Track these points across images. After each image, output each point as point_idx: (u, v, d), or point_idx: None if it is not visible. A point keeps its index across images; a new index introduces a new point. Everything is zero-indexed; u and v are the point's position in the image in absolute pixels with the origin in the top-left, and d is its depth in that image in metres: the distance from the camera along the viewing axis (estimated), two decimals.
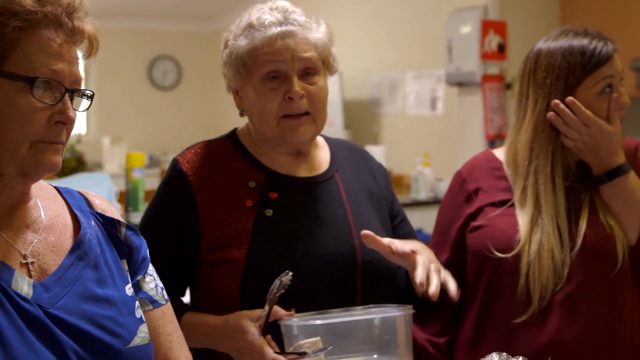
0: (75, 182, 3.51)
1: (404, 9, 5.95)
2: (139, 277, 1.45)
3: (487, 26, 4.52)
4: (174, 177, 1.79)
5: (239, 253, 1.71)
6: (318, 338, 1.53)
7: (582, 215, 1.91)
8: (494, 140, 4.44)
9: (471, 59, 4.54)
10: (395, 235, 1.87)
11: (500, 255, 1.91)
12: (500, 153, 2.10)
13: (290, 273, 1.55)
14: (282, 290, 1.55)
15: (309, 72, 1.74)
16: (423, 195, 4.81)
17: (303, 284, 1.58)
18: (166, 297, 1.50)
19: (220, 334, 1.64)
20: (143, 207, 3.67)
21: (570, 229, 1.90)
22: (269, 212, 1.75)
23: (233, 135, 1.87)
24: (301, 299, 1.62)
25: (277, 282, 1.55)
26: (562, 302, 1.88)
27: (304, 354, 1.51)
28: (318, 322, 1.54)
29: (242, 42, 1.73)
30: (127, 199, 3.68)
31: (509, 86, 4.57)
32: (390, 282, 1.83)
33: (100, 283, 1.34)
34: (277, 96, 1.71)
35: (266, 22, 1.72)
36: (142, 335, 1.35)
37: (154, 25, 9.80)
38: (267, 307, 1.57)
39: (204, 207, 1.75)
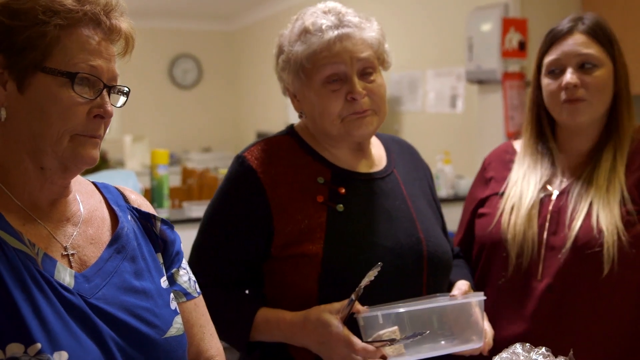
0: (101, 179, 3.55)
1: (424, 8, 5.95)
2: (173, 270, 1.49)
3: (508, 24, 4.51)
4: (244, 174, 1.79)
5: (315, 248, 1.73)
6: (396, 327, 1.58)
7: (578, 216, 1.93)
8: (515, 138, 4.44)
9: (492, 56, 4.53)
10: None
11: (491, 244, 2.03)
12: (519, 144, 2.15)
13: (380, 265, 1.60)
14: (369, 282, 1.59)
15: (367, 71, 1.78)
16: (444, 192, 4.81)
17: (376, 276, 1.60)
18: (198, 290, 1.53)
19: (300, 329, 1.67)
20: (167, 203, 3.72)
21: (564, 228, 1.94)
22: (340, 208, 1.78)
23: (292, 131, 1.90)
24: (371, 291, 1.63)
25: (368, 274, 1.58)
26: (543, 293, 1.93)
27: (393, 340, 1.55)
28: (402, 309, 1.58)
29: (300, 48, 1.76)
30: (152, 195, 3.72)
31: (529, 84, 4.57)
32: (449, 274, 1.90)
33: (137, 275, 1.38)
34: (339, 98, 1.75)
35: (323, 27, 1.75)
36: (177, 326, 1.40)
37: (175, 25, 9.86)
38: (352, 298, 1.60)
39: (276, 203, 1.76)
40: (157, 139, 9.38)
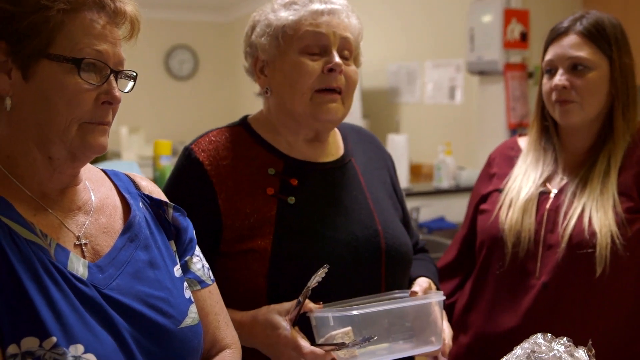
0: None
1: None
2: (186, 258, 1.46)
3: (510, 15, 4.49)
4: (190, 167, 1.73)
5: (264, 243, 1.67)
6: (349, 328, 1.52)
7: (571, 217, 1.92)
8: (516, 129, 4.43)
9: (493, 47, 4.52)
10: None
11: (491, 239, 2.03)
12: (523, 141, 2.14)
13: (327, 266, 1.53)
14: (316, 284, 1.53)
15: (345, 54, 1.73)
16: (445, 183, 4.80)
17: (330, 269, 1.54)
18: (212, 277, 1.51)
19: (249, 330, 1.61)
20: None
21: (559, 227, 1.93)
22: (292, 200, 1.72)
23: (245, 122, 1.84)
24: (328, 285, 1.57)
25: (314, 275, 1.53)
26: (539, 290, 1.93)
27: (342, 344, 1.49)
28: (355, 312, 1.51)
29: (285, 14, 1.72)
30: None
31: (531, 75, 4.56)
32: (409, 266, 1.84)
33: (151, 264, 1.35)
34: (315, 68, 1.69)
35: None
36: (192, 315, 1.37)
37: (171, 15, 9.81)
38: (300, 299, 1.54)
39: (224, 197, 1.70)
40: (153, 130, 9.34)
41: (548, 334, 1.32)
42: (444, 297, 1.65)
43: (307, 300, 1.55)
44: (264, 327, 1.58)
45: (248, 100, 9.74)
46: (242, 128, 1.82)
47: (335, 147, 1.85)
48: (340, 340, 1.50)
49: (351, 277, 1.69)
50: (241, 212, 1.69)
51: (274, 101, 1.78)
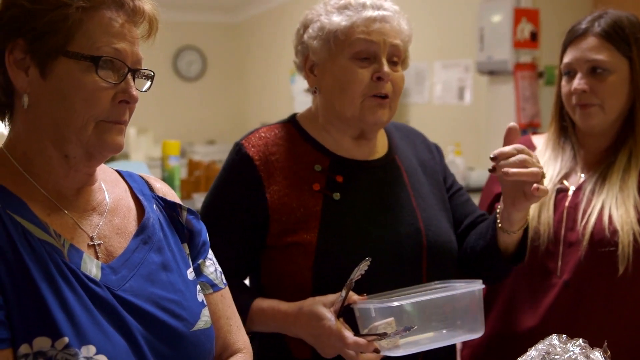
0: None
1: (430, 0, 5.93)
2: (199, 261, 1.45)
3: (520, 14, 4.49)
4: (240, 162, 1.78)
5: (310, 237, 1.72)
6: (392, 319, 1.55)
7: (591, 214, 1.91)
8: (526, 129, 4.42)
9: (503, 47, 4.52)
10: (453, 204, 1.93)
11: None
12: (538, 139, 2.13)
13: (369, 259, 1.57)
14: (359, 276, 1.57)
15: (394, 60, 1.77)
16: None
17: (372, 266, 1.58)
18: (225, 281, 1.50)
19: (294, 320, 1.65)
20: (179, 194, 3.70)
21: (578, 225, 1.92)
22: (337, 196, 1.76)
23: (293, 120, 1.88)
24: (370, 281, 1.63)
25: (357, 268, 1.56)
26: (560, 289, 1.92)
27: (384, 334, 1.53)
28: (395, 303, 1.55)
29: (337, 19, 1.75)
30: None
31: (541, 74, 4.55)
32: (453, 263, 1.86)
33: (164, 267, 1.35)
34: (365, 75, 1.73)
35: (366, 3, 1.76)
36: (204, 318, 1.36)
37: (179, 16, 9.81)
38: (344, 292, 1.58)
39: (272, 191, 1.75)
40: (161, 131, 9.35)
41: (563, 335, 1.31)
42: (484, 286, 1.66)
43: (351, 292, 1.60)
44: (309, 318, 1.62)
45: (256, 101, 9.75)
46: (291, 125, 1.86)
47: (381, 145, 1.89)
48: (382, 331, 1.54)
49: (393, 272, 1.73)
50: (288, 206, 1.74)
51: (322, 101, 1.82)
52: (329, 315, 1.59)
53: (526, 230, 1.78)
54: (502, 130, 1.73)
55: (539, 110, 4.46)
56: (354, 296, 1.60)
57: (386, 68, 1.73)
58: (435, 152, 2.01)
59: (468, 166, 4.99)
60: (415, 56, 6.18)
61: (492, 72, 4.69)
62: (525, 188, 1.64)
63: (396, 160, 1.88)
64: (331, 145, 1.82)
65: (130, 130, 8.68)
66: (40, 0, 1.22)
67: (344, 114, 1.77)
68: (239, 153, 1.79)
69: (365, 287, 1.62)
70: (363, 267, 1.56)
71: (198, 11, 9.92)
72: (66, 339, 1.14)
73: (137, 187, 1.44)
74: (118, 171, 1.47)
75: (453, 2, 5.62)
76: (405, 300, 1.57)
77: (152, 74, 1.34)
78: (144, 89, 1.34)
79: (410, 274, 1.76)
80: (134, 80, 1.28)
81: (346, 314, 1.61)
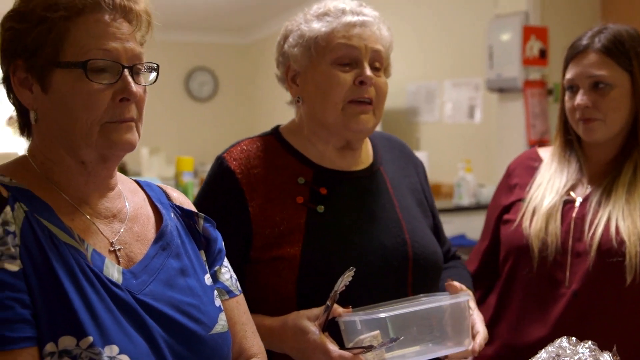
0: None
1: (441, 19, 5.96)
2: (215, 268, 1.49)
3: (529, 32, 4.52)
4: (222, 175, 1.77)
5: (294, 250, 1.70)
6: (378, 332, 1.53)
7: (598, 225, 1.93)
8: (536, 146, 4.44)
9: (512, 65, 4.55)
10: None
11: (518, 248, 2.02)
12: (544, 152, 2.16)
13: (353, 269, 1.55)
14: (344, 287, 1.55)
15: (375, 65, 1.76)
16: (466, 200, 4.81)
17: (357, 277, 1.56)
18: (239, 288, 1.53)
19: (279, 335, 1.64)
20: None
21: (585, 236, 1.94)
22: (321, 209, 1.75)
23: (276, 132, 1.87)
24: (355, 292, 1.60)
25: (340, 279, 1.55)
26: (569, 299, 1.93)
27: (370, 347, 1.51)
28: (381, 315, 1.53)
29: (317, 25, 1.75)
30: None
31: (550, 92, 4.58)
32: (438, 274, 1.86)
33: (183, 272, 1.38)
34: (347, 80, 1.72)
35: (345, 9, 1.76)
36: (222, 323, 1.39)
37: (191, 38, 9.91)
38: (328, 304, 1.56)
39: (255, 205, 1.73)
40: (173, 151, 9.39)
41: (573, 338, 1.33)
42: (470, 297, 1.66)
43: (336, 305, 1.58)
44: (294, 332, 1.60)
45: (267, 121, 9.79)
46: (273, 137, 1.85)
47: (365, 155, 1.88)
48: (368, 344, 1.52)
49: (378, 284, 1.71)
50: (271, 220, 1.72)
51: (305, 110, 1.81)
52: (313, 329, 1.57)
53: None
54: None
55: (549, 127, 4.49)
56: (339, 309, 1.58)
57: (368, 72, 1.72)
58: (421, 167, 2.01)
59: (479, 183, 5.00)
60: (426, 75, 6.24)
61: (501, 89, 4.71)
62: None
63: (381, 171, 1.87)
64: (315, 156, 1.80)
65: (143, 150, 8.73)
66: (25, 19, 1.26)
67: (326, 120, 1.75)
68: (220, 166, 1.78)
69: (351, 298, 1.60)
70: (347, 277, 1.54)
71: (209, 33, 10.00)
72: (90, 339, 1.17)
73: (155, 196, 1.47)
74: (137, 181, 1.50)
75: (462, 21, 5.66)
76: (391, 312, 1.54)
77: (156, 65, 1.34)
78: (149, 81, 1.34)
79: (395, 284, 1.74)
80: (132, 76, 1.29)
81: (331, 327, 1.59)
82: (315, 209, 1.75)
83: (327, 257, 1.70)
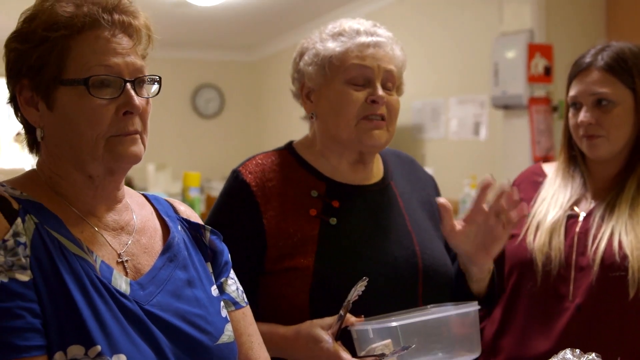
0: None
1: (446, 36, 5.99)
2: (222, 280, 1.50)
3: (533, 49, 4.55)
4: (238, 188, 1.81)
5: (307, 261, 1.74)
6: (389, 340, 1.56)
7: (601, 239, 1.94)
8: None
9: (518, 82, 4.57)
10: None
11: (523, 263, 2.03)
12: (548, 167, 2.18)
13: (366, 279, 1.59)
14: (357, 297, 1.58)
15: (388, 85, 1.80)
16: None
17: (369, 288, 1.60)
18: (246, 300, 1.55)
19: (292, 343, 1.67)
20: None
21: (589, 250, 1.95)
22: (333, 221, 1.79)
23: (290, 147, 1.92)
24: (366, 303, 1.65)
25: (353, 289, 1.58)
26: (573, 313, 1.94)
27: (382, 355, 1.54)
28: (394, 324, 1.56)
29: (332, 45, 1.80)
30: None
31: (555, 108, 4.60)
32: (448, 285, 1.88)
33: (190, 283, 1.40)
34: (359, 98, 1.77)
35: (359, 30, 1.80)
36: (228, 333, 1.41)
37: (198, 55, 9.96)
38: (342, 313, 1.60)
39: (269, 217, 1.78)
40: (180, 167, 9.40)
41: (577, 350, 1.35)
42: (479, 307, 1.68)
43: (349, 315, 1.61)
44: (307, 341, 1.63)
45: (273, 138, 9.82)
46: (287, 152, 1.90)
47: (377, 170, 1.92)
48: (380, 352, 1.55)
49: (389, 295, 1.75)
50: (285, 231, 1.77)
51: (319, 126, 1.86)
52: (326, 337, 1.61)
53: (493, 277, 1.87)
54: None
55: (554, 144, 4.50)
56: (351, 318, 1.62)
57: (380, 92, 1.76)
58: (431, 181, 2.04)
59: None
60: (431, 92, 6.26)
61: (507, 106, 4.73)
62: (495, 231, 1.75)
63: (391, 185, 1.91)
64: (327, 170, 1.85)
65: (149, 167, 8.77)
66: (27, 39, 1.28)
67: (340, 137, 1.79)
68: (236, 180, 1.82)
69: (362, 309, 1.64)
70: (360, 287, 1.58)
71: (215, 50, 10.05)
72: (99, 347, 1.18)
73: (162, 209, 1.49)
74: (145, 195, 1.52)
75: (468, 39, 5.69)
76: (403, 321, 1.58)
77: (158, 78, 1.36)
78: (151, 95, 1.36)
79: (406, 296, 1.77)
80: (135, 89, 1.31)
81: (343, 336, 1.62)
82: (328, 221, 1.79)
83: (340, 268, 1.74)
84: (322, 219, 1.79)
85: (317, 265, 1.74)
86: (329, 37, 1.82)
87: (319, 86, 1.82)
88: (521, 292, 2.06)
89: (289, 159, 1.87)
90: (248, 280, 1.79)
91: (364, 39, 1.79)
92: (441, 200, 1.80)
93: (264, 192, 1.80)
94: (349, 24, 1.83)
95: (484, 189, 1.75)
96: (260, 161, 1.86)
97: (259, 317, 1.77)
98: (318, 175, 1.84)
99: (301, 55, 1.86)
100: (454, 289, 1.89)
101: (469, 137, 5.69)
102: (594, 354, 1.33)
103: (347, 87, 1.77)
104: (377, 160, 1.93)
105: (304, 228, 1.77)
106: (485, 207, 1.76)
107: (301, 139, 1.93)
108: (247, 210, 1.79)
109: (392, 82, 1.81)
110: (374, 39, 1.79)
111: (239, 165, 1.86)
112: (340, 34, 1.81)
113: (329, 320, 1.64)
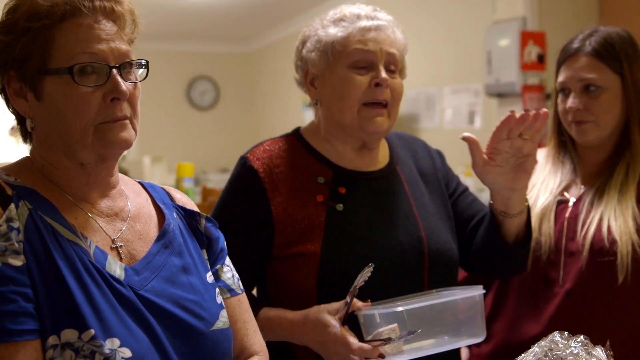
0: None
1: (439, 25, 5.99)
2: (217, 267, 1.52)
3: (526, 37, 4.55)
4: (246, 174, 1.83)
5: (314, 247, 1.76)
6: (396, 325, 1.58)
7: (590, 225, 1.96)
8: None
9: (511, 69, 4.58)
10: (460, 206, 1.97)
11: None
12: (539, 153, 2.18)
13: (372, 265, 1.61)
14: (363, 282, 1.61)
15: (391, 68, 1.82)
16: None
17: (375, 273, 1.62)
18: (241, 287, 1.56)
19: (300, 328, 1.70)
20: None
21: (579, 234, 1.97)
22: (340, 207, 1.81)
23: (297, 133, 1.93)
24: (372, 288, 1.68)
25: (360, 274, 1.60)
26: (562, 298, 1.97)
27: (389, 339, 1.56)
28: (400, 308, 1.58)
29: (333, 30, 1.81)
30: None
31: (549, 96, 4.60)
32: (454, 270, 1.91)
33: (185, 270, 1.41)
34: (363, 82, 1.78)
35: (360, 14, 1.82)
36: (223, 319, 1.42)
37: (193, 47, 9.94)
38: (348, 299, 1.62)
39: (277, 203, 1.80)
40: (175, 159, 9.36)
41: (565, 332, 1.36)
42: (484, 291, 1.70)
43: (355, 299, 1.63)
44: (315, 326, 1.66)
45: (268, 129, 9.82)
46: (295, 138, 1.92)
47: (383, 155, 1.93)
48: (387, 336, 1.57)
49: (395, 280, 1.77)
50: (292, 217, 1.79)
51: (323, 112, 1.87)
52: (333, 322, 1.63)
53: (529, 212, 1.85)
54: None
55: (547, 131, 4.51)
56: (358, 303, 1.64)
57: (384, 74, 1.78)
58: (437, 157, 2.04)
59: (478, 187, 5.01)
60: (425, 82, 6.23)
61: (500, 94, 4.74)
62: (524, 149, 1.75)
63: (397, 170, 1.92)
64: (334, 157, 1.87)
65: (145, 159, 8.76)
66: (11, 31, 1.29)
67: (343, 122, 1.81)
68: (244, 166, 1.84)
69: (368, 294, 1.67)
70: (366, 273, 1.60)
71: (211, 42, 10.03)
72: (92, 331, 1.20)
73: (158, 197, 1.51)
74: (140, 182, 1.54)
75: (461, 27, 5.69)
76: (409, 305, 1.60)
77: (144, 62, 1.36)
78: (139, 79, 1.36)
79: (412, 281, 1.80)
80: (122, 74, 1.31)
81: (350, 321, 1.64)
82: (335, 208, 1.81)
83: (346, 253, 1.76)
84: (329, 205, 1.81)
85: (324, 251, 1.76)
86: (331, 23, 1.84)
87: (322, 72, 1.84)
88: (512, 278, 2.08)
89: (296, 145, 1.89)
90: (257, 265, 1.83)
91: (365, 23, 1.80)
92: (466, 134, 1.81)
93: (272, 178, 1.81)
94: (349, 9, 1.85)
95: (506, 120, 1.75)
96: (267, 147, 1.87)
97: (268, 302, 1.82)
98: (325, 162, 1.86)
99: (303, 42, 1.88)
100: (489, 248, 1.88)
101: (464, 126, 5.70)
102: (582, 337, 1.34)
103: (350, 72, 1.79)
104: (382, 145, 1.95)
105: (311, 214, 1.79)
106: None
107: (307, 125, 1.95)
108: (255, 196, 1.81)
109: (395, 65, 1.83)
110: (375, 22, 1.81)
111: (247, 152, 1.88)
112: (341, 19, 1.83)
113: (336, 305, 1.66)
